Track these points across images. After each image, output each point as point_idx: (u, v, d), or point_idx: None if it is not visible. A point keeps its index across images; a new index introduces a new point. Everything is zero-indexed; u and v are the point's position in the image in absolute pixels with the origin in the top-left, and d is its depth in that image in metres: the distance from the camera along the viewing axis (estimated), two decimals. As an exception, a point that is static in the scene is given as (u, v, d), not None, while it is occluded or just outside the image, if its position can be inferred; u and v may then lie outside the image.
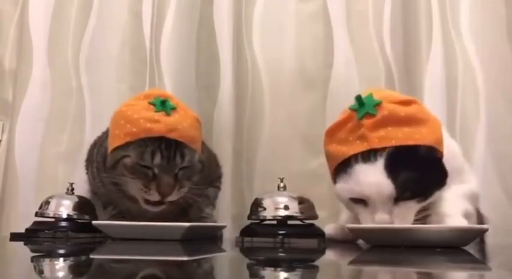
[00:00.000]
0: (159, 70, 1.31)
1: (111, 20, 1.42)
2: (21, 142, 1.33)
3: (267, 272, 0.54)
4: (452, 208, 0.81)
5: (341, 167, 0.79)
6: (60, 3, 1.41)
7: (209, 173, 1.06)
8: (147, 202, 0.89)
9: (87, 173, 1.07)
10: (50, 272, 0.55)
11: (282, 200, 0.88)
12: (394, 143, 0.75)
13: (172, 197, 0.89)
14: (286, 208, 0.86)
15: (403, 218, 0.76)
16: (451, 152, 0.83)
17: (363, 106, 0.78)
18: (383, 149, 0.75)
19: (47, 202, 0.99)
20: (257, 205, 0.89)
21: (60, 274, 0.53)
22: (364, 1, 1.34)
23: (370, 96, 0.79)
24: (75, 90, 1.39)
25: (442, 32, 1.23)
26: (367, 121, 0.77)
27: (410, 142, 0.75)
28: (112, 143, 0.90)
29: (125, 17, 1.42)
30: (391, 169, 0.74)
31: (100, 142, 1.03)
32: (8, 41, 1.47)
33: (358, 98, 0.78)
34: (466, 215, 0.81)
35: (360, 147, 0.76)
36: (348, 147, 0.78)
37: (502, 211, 1.16)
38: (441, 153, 0.78)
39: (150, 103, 0.90)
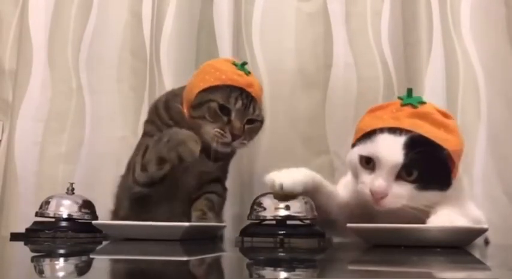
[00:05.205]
0: (159, 70, 1.31)
1: (111, 20, 1.42)
2: (21, 142, 1.33)
3: (267, 272, 0.54)
4: (449, 211, 0.81)
5: (366, 136, 0.86)
6: (60, 3, 1.41)
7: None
8: (217, 142, 0.99)
9: (145, 133, 1.07)
10: (50, 272, 0.55)
11: (282, 200, 0.88)
12: (421, 131, 0.82)
13: (238, 143, 1.00)
14: (286, 208, 0.86)
15: (396, 197, 0.81)
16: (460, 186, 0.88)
17: (410, 98, 0.86)
18: (410, 131, 0.82)
19: (47, 202, 0.99)
20: (257, 205, 0.89)
21: (60, 274, 0.54)
22: (363, 2, 1.34)
23: (420, 97, 0.88)
24: (75, 90, 1.39)
25: (443, 32, 1.23)
26: (407, 109, 0.85)
27: (434, 138, 0.82)
28: (201, 85, 1.01)
29: (125, 17, 1.43)
30: (409, 147, 0.80)
31: (165, 98, 1.10)
32: (8, 41, 1.47)
33: (409, 90, 0.87)
34: None
35: (391, 123, 0.84)
36: (380, 122, 0.85)
37: (502, 211, 1.16)
38: (454, 164, 0.83)
39: (232, 63, 1.04)
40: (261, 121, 1.06)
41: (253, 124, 1.03)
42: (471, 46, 1.24)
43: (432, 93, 1.19)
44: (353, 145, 0.89)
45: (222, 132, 0.99)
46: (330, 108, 1.30)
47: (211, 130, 0.99)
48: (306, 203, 0.87)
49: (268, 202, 0.88)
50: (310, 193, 0.88)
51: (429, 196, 0.81)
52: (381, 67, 1.30)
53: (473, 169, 1.18)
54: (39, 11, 1.40)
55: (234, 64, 1.04)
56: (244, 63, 1.04)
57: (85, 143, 1.37)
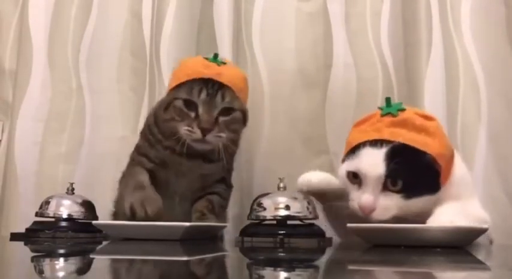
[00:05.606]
0: (159, 71, 1.31)
1: (111, 20, 1.42)
2: (21, 142, 1.33)
3: (267, 272, 0.54)
4: (450, 210, 0.81)
5: (352, 151, 0.87)
6: (60, 4, 1.41)
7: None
8: (193, 141, 0.96)
9: (141, 145, 1.06)
10: (50, 272, 0.55)
11: (282, 200, 0.88)
12: (401, 139, 0.82)
13: (212, 137, 0.95)
14: (286, 207, 0.86)
15: (384, 209, 0.82)
16: (461, 180, 0.88)
17: (389, 107, 0.87)
18: (391, 141, 0.83)
19: (47, 202, 0.99)
20: (257, 205, 0.89)
21: (60, 274, 0.54)
22: (363, 2, 1.34)
23: (400, 103, 0.88)
24: (75, 90, 1.39)
25: (442, 33, 1.23)
26: (386, 119, 0.86)
27: (414, 144, 0.82)
28: (170, 86, 1.01)
29: (125, 17, 1.43)
30: (391, 157, 0.81)
31: (153, 111, 1.08)
32: (8, 41, 1.47)
33: (388, 99, 0.88)
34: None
35: (372, 135, 0.85)
36: (363, 135, 0.86)
37: (502, 211, 1.15)
38: (440, 166, 0.82)
39: (204, 58, 1.02)
40: (241, 111, 1.00)
41: (230, 115, 0.97)
42: (471, 47, 1.24)
43: (432, 94, 1.19)
44: (343, 161, 0.89)
45: (189, 129, 0.95)
46: (330, 108, 1.30)
47: (181, 130, 0.95)
48: (306, 203, 0.87)
49: (268, 202, 0.88)
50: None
51: (418, 202, 0.82)
52: (380, 68, 1.30)
53: (474, 169, 1.18)
54: (39, 11, 1.40)
55: (206, 58, 1.01)
56: (215, 55, 1.01)
57: (85, 143, 1.37)
